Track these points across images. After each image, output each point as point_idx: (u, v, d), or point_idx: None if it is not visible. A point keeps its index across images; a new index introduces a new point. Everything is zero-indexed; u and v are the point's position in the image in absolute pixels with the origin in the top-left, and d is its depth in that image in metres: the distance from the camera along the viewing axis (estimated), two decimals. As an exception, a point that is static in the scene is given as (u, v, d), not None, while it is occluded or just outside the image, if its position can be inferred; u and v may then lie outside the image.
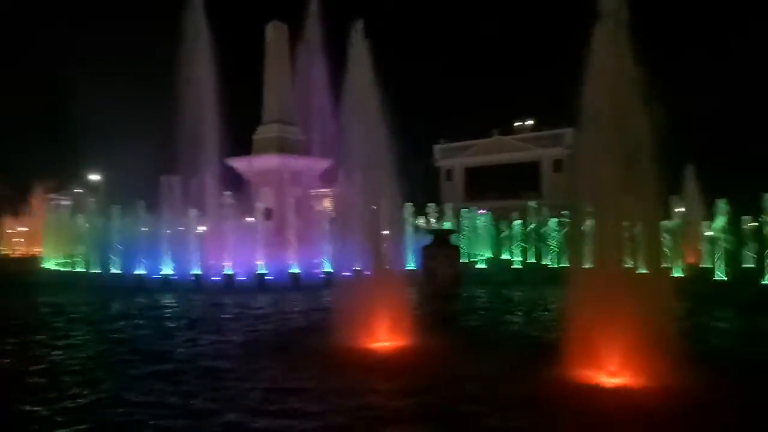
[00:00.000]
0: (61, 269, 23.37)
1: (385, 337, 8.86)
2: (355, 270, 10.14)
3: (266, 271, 18.40)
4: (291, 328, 11.13)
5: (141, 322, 11.91)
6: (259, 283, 17.91)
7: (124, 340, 10.04)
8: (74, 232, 24.81)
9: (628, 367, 6.64)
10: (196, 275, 18.22)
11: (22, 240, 40.73)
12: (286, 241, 19.67)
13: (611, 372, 6.69)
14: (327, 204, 24.75)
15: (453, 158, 57.54)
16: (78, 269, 22.06)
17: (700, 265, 20.54)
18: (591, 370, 6.75)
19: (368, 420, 5.68)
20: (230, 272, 18.14)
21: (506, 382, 6.88)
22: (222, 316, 12.72)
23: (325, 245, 18.82)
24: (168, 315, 12.95)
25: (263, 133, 25.35)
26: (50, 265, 25.19)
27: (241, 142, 26.26)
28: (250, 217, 21.33)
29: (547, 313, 12.88)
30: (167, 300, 15.39)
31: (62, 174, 35.39)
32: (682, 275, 17.44)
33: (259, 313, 13.03)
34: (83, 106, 32.41)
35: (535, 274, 20.21)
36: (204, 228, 21.15)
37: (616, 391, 6.37)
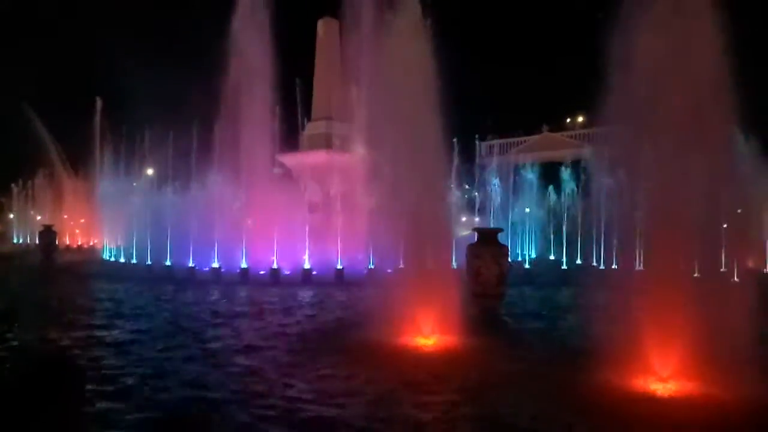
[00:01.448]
0: (118, 260, 24.40)
1: (426, 335, 8.81)
2: (399, 267, 10.11)
3: (311, 266, 18.64)
4: (332, 323, 11.22)
5: (190, 310, 12.30)
6: (304, 277, 18.15)
7: (171, 331, 10.33)
8: (129, 225, 25.78)
9: (680, 374, 6.38)
10: (244, 269, 18.64)
11: (78, 231, 42.65)
12: (331, 237, 19.86)
13: (662, 378, 6.45)
14: (372, 200, 24.77)
15: (499, 155, 56.70)
16: (133, 261, 22.98)
17: (764, 271, 19.47)
18: (641, 376, 6.52)
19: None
20: (276, 267, 18.49)
21: (553, 389, 6.66)
22: (266, 308, 12.95)
23: (369, 241, 18.89)
24: (215, 307, 13.30)
25: (312, 129, 25.66)
26: (108, 255, 26.34)
27: (290, 138, 26.58)
28: (296, 212, 21.59)
29: (594, 316, 12.51)
30: (216, 292, 15.79)
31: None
32: (738, 280, 16.47)
33: (303, 307, 13.23)
34: (135, 100, 33.42)
35: (582, 275, 19.69)
36: (251, 222, 21.56)
37: (670, 399, 6.15)
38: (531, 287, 17.24)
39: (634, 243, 7.43)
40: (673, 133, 6.72)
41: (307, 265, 18.60)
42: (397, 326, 8.79)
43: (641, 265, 7.21)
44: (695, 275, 6.89)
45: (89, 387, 6.09)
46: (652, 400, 6.14)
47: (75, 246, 39.96)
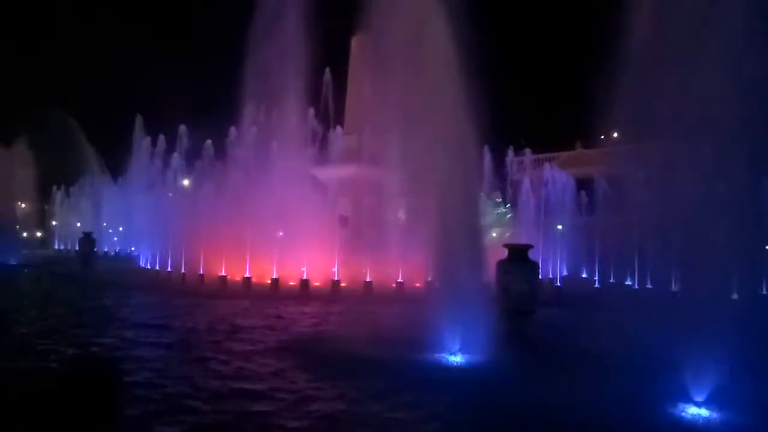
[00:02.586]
0: (152, 268, 24.92)
1: (453, 353, 8.74)
2: (428, 281, 10.08)
3: (340, 279, 18.71)
4: (361, 338, 11.16)
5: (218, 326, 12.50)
6: (333, 290, 18.21)
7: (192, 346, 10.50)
8: (162, 234, 26.31)
9: (716, 400, 6.19)
10: (274, 280, 18.81)
11: (116, 239, 43.79)
12: (360, 250, 19.92)
13: (696, 403, 6.26)
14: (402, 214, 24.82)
15: (531, 171, 56.12)
16: (168, 269, 23.41)
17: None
18: (671, 400, 6.33)
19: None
20: (306, 278, 18.62)
21: (584, 414, 6.45)
22: (295, 325, 13.04)
23: (399, 255, 18.88)
24: (241, 322, 13.45)
25: (344, 142, 25.92)
26: (144, 263, 26.91)
27: (322, 150, 26.88)
28: (326, 224, 21.70)
29: (623, 337, 12.19)
30: (244, 305, 15.90)
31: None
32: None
33: (332, 320, 13.28)
34: (173, 115, 34.44)
35: (616, 295, 19.25)
36: (282, 234, 21.75)
37: (704, 426, 5.95)
38: (561, 306, 16.90)
39: (669, 263, 7.26)
40: (713, 152, 6.59)
41: (336, 278, 18.69)
42: (424, 343, 8.74)
43: (677, 285, 7.04)
44: (734, 297, 6.68)
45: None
46: (684, 426, 5.95)
47: (113, 253, 41.01)
